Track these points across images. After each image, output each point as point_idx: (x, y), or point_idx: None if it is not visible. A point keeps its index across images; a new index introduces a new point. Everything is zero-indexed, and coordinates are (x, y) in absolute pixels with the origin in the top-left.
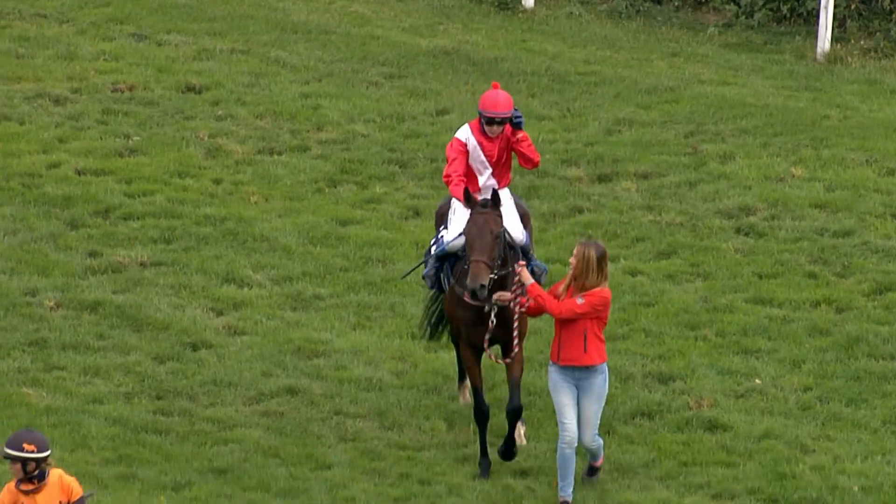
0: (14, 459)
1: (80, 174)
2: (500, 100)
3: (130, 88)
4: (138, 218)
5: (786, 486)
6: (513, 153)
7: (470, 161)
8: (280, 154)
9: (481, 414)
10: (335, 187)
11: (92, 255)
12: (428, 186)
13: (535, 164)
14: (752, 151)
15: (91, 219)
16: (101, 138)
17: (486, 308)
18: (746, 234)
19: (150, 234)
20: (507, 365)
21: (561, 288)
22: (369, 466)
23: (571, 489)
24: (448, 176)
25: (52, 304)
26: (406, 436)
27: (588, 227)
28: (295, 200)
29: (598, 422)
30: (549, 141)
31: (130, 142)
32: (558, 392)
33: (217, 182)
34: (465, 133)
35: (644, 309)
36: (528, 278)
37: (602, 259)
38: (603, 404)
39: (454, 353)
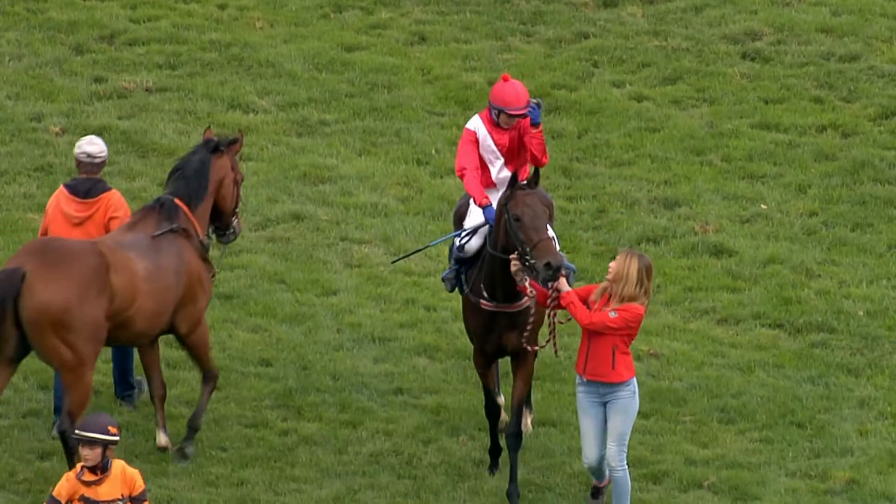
0: (94, 443)
1: None
2: (518, 93)
3: None
4: (143, 43)
5: (791, 311)
6: None
7: (480, 151)
8: None
9: (491, 413)
10: (340, 13)
11: (97, 80)
12: (434, 12)
13: (542, 165)
14: None
15: (96, 44)
16: None
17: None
18: (752, 59)
19: (156, 60)
20: (514, 379)
21: (595, 294)
22: (375, 292)
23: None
24: (462, 169)
25: (57, 129)
26: (411, 261)
27: (594, 53)
28: (300, 26)
29: (627, 439)
30: None
31: None
32: (583, 416)
33: (222, 7)
34: (474, 123)
35: (650, 134)
36: (564, 286)
37: (644, 272)
38: (633, 419)
39: (459, 181)
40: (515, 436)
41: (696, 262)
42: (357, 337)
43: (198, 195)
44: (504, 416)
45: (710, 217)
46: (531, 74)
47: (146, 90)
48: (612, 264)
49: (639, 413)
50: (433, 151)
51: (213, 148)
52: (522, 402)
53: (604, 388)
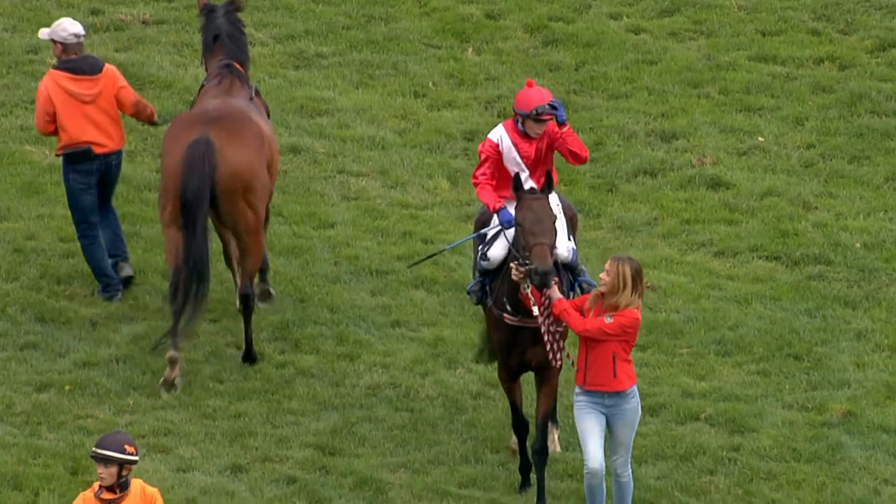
0: (110, 461)
1: None
2: (543, 93)
3: None
4: None
5: (788, 244)
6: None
7: (504, 163)
8: None
9: (520, 427)
10: None
11: (94, 12)
12: None
13: (584, 160)
14: None
15: None
16: None
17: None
18: None
19: None
20: (538, 395)
21: (588, 302)
22: (372, 225)
23: None
24: (476, 178)
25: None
26: (409, 194)
27: None
28: None
29: (631, 449)
30: None
31: None
32: (583, 418)
33: None
34: (497, 133)
35: (647, 67)
36: (555, 293)
37: (637, 275)
38: (636, 429)
39: (457, 113)
40: (541, 453)
41: (693, 194)
42: (354, 270)
43: (246, 55)
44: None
45: (708, 150)
46: (528, 7)
47: (143, 23)
48: (604, 275)
49: (636, 345)
50: (430, 84)
51: (237, 7)
52: (548, 418)
53: (608, 399)
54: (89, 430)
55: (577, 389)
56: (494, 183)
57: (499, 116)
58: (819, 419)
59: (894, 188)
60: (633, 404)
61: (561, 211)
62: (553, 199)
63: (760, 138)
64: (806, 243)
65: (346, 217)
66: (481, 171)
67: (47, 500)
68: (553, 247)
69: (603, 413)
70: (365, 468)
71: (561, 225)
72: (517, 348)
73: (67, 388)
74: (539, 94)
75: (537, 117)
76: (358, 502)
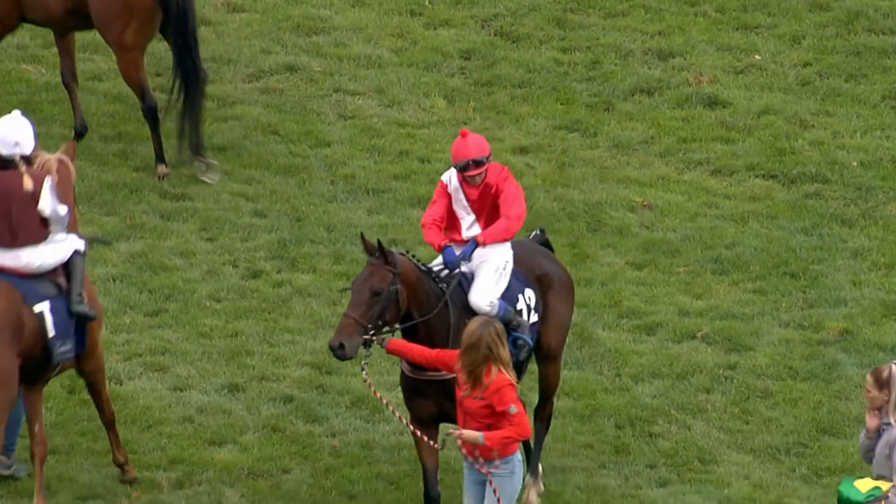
0: None
1: None
2: (469, 148)
3: None
4: None
5: (785, 162)
6: None
7: (453, 206)
8: None
9: (429, 500)
10: None
11: None
12: None
13: (510, 225)
14: None
15: None
16: None
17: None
18: None
19: None
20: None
21: (457, 364)
22: (369, 144)
23: None
24: (424, 218)
25: None
26: (405, 113)
27: None
28: None
29: None
30: None
31: None
32: (466, 487)
33: None
34: (448, 174)
35: None
36: (379, 339)
37: (499, 338)
38: (512, 501)
39: (454, 32)
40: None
41: (689, 113)
42: (351, 188)
43: None
44: None
45: (704, 68)
46: None
47: None
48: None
49: (633, 264)
50: (427, 2)
51: None
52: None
53: (476, 463)
54: None
55: (464, 461)
56: (444, 224)
57: (495, 35)
58: (815, 337)
59: (891, 106)
60: (508, 473)
61: (499, 263)
62: (493, 251)
63: (757, 56)
64: (803, 161)
65: (342, 136)
66: (430, 211)
67: (46, 419)
68: (362, 321)
69: (481, 483)
70: (362, 387)
71: (486, 276)
72: (419, 399)
73: None
74: (465, 149)
75: (460, 171)
76: (354, 421)
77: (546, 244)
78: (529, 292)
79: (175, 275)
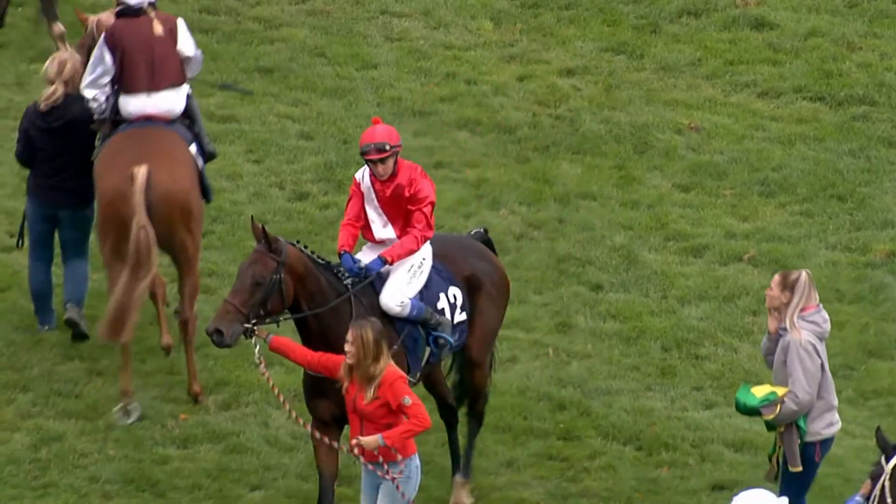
0: None
1: None
2: (376, 133)
3: None
4: None
5: (832, 84)
6: None
7: (365, 205)
8: None
9: None
10: None
11: None
12: None
13: (416, 242)
14: None
15: None
16: None
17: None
18: None
19: None
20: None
21: (341, 372)
22: (415, 66)
23: None
24: (344, 219)
25: None
26: (452, 35)
27: None
28: None
29: None
30: None
31: None
32: (363, 498)
33: None
34: (360, 172)
35: None
36: (263, 333)
37: (381, 337)
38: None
39: None
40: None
41: (736, 35)
42: (397, 111)
43: None
44: None
45: None
46: None
47: None
48: (348, 346)
49: (679, 186)
50: None
51: None
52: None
53: (380, 469)
54: None
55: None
56: (360, 224)
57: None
58: (862, 260)
59: None
60: (405, 479)
61: (414, 268)
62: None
63: None
64: (850, 84)
65: (389, 58)
66: (347, 209)
67: (91, 340)
68: (242, 308)
69: (375, 487)
70: None
71: (399, 278)
72: (320, 399)
73: None
74: (370, 133)
75: (363, 155)
76: None
77: (488, 244)
78: (454, 290)
79: (222, 197)
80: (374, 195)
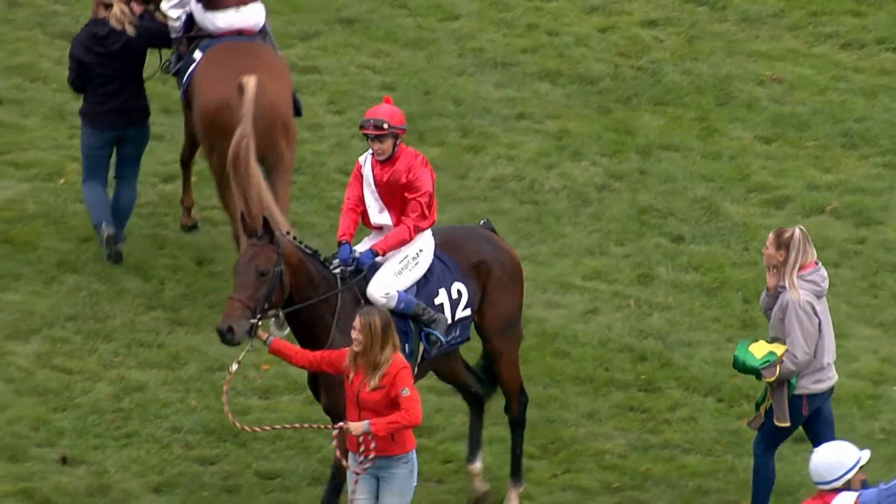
0: None
1: None
2: (378, 110)
3: None
4: None
5: None
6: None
7: (364, 189)
8: None
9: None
10: None
11: None
12: None
13: (409, 232)
14: None
15: None
16: None
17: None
18: None
19: None
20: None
21: (346, 361)
22: (497, 17)
23: None
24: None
25: None
26: None
27: None
28: None
29: None
30: None
31: None
32: (357, 490)
33: None
34: (363, 156)
35: None
36: (262, 335)
37: (388, 326)
38: (408, 500)
39: None
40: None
41: None
42: (479, 62)
43: None
44: None
45: None
46: None
47: None
48: (355, 333)
49: (761, 138)
50: None
51: None
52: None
53: (380, 461)
54: (214, 221)
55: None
56: (360, 209)
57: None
58: None
59: None
60: (406, 470)
61: (409, 256)
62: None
63: None
64: None
65: (471, 9)
66: (347, 193)
67: (173, 290)
68: (249, 303)
69: (374, 478)
70: None
71: (392, 267)
72: (319, 390)
73: (194, 179)
74: (374, 109)
75: (361, 129)
76: None
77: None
78: (459, 285)
79: (304, 147)
80: (371, 179)
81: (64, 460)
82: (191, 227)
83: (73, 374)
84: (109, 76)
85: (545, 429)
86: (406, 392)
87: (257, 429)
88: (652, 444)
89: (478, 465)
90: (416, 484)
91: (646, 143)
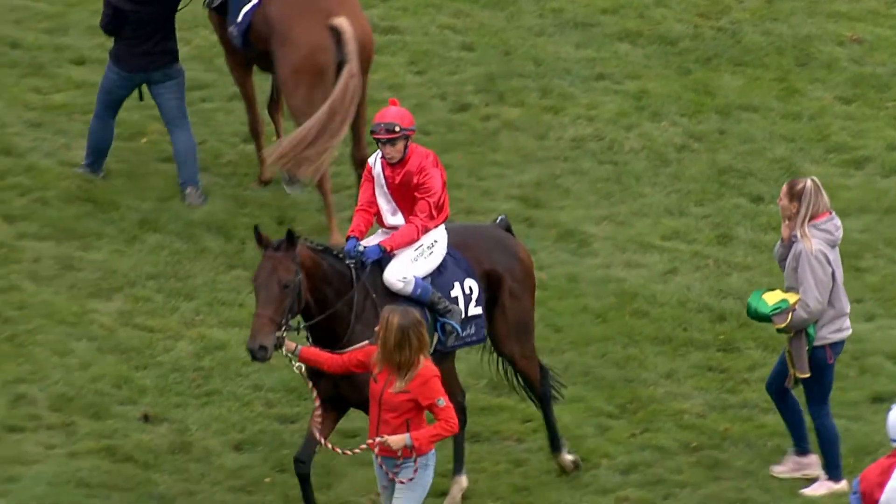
0: None
1: None
2: (387, 113)
3: None
4: None
5: None
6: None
7: (376, 191)
8: None
9: (297, 467)
10: None
11: None
12: None
13: (417, 230)
14: None
15: None
16: None
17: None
18: None
19: None
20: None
21: (374, 359)
22: None
23: None
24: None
25: None
26: None
27: None
28: None
29: None
30: None
31: None
32: (382, 496)
33: None
34: (374, 157)
35: None
36: (290, 346)
37: (413, 329)
38: (422, 497)
39: None
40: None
41: None
42: (559, 22)
43: None
44: None
45: None
46: None
47: None
48: (377, 328)
49: (841, 98)
50: None
51: None
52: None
53: (389, 466)
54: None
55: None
56: (373, 210)
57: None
58: None
59: None
60: (422, 466)
61: (421, 250)
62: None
63: None
64: None
65: None
66: (360, 194)
67: (254, 249)
68: (276, 317)
69: (392, 484)
70: (569, 220)
71: (408, 252)
72: (326, 378)
73: (274, 139)
74: (383, 113)
75: (372, 134)
76: (561, 254)
77: (508, 230)
78: (471, 282)
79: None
80: (383, 181)
81: (146, 418)
82: (267, 183)
83: (154, 332)
84: (143, 21)
85: (624, 388)
86: (442, 402)
87: (357, 451)
88: (730, 404)
89: (463, 479)
90: (430, 481)
91: (725, 104)
